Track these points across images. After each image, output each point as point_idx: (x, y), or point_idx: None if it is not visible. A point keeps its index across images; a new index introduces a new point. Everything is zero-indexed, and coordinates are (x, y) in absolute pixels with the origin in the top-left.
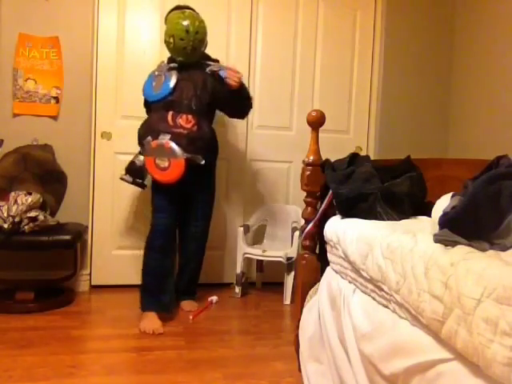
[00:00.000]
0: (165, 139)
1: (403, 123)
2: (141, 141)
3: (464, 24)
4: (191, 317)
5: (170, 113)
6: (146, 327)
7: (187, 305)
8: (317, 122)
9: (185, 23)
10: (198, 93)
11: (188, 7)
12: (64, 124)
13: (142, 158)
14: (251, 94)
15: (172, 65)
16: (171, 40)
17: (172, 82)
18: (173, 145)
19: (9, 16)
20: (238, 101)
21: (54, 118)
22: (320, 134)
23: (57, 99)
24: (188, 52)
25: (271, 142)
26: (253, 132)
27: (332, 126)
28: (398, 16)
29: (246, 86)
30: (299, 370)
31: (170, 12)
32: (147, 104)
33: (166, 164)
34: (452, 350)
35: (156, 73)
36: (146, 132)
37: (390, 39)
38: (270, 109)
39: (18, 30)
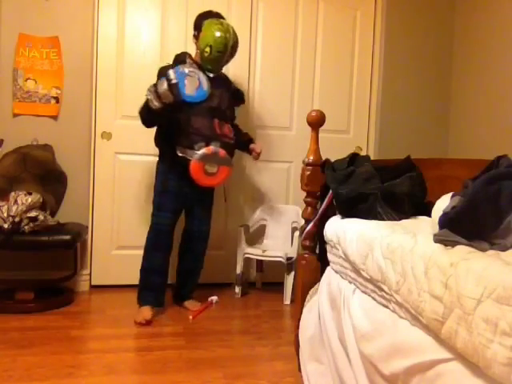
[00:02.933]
0: (217, 146)
1: (403, 123)
2: (181, 140)
3: (464, 24)
4: (191, 317)
5: (216, 120)
6: (137, 318)
7: (192, 304)
8: (317, 122)
9: (225, 36)
10: (230, 103)
11: (219, 15)
12: (64, 124)
13: (165, 84)
14: (251, 93)
15: (208, 73)
16: (207, 50)
17: (207, 88)
18: (226, 154)
19: (9, 16)
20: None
21: (54, 117)
22: (320, 134)
23: (57, 99)
24: (222, 65)
25: (271, 142)
26: (253, 132)
27: (332, 126)
28: (397, 16)
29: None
30: (299, 370)
31: (201, 16)
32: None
33: (215, 170)
34: (452, 350)
35: (186, 70)
36: (194, 135)
37: (389, 39)
38: (270, 109)
39: (18, 30)
